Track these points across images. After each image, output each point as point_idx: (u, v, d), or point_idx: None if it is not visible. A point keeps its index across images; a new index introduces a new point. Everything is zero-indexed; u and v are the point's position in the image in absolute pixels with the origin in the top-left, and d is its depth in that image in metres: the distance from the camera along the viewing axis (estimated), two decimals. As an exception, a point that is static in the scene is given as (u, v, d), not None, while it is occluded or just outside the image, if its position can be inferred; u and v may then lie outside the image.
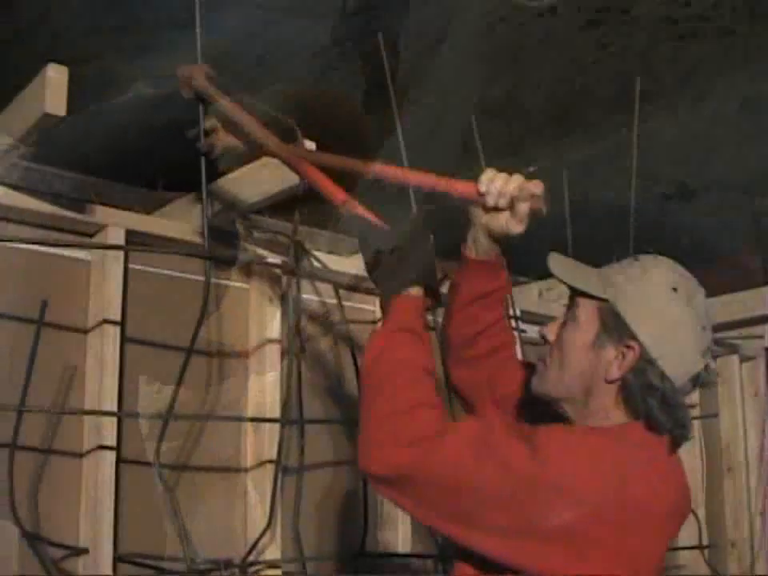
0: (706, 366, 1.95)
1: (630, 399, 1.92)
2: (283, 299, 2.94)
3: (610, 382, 1.92)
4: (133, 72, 6.01)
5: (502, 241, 2.10)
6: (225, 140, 2.33)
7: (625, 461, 1.83)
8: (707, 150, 5.88)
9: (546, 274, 3.94)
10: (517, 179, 1.99)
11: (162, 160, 6.24)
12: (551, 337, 2.03)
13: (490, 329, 2.23)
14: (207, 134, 2.34)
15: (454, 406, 2.28)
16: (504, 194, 1.98)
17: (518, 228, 2.03)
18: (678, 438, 1.94)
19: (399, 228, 2.00)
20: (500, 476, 1.75)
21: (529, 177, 2.00)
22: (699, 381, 1.95)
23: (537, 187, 1.99)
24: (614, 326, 1.92)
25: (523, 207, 1.99)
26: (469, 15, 4.82)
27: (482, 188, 2.00)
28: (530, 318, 3.73)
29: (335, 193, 2.08)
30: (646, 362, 1.88)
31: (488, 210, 2.03)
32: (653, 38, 5.41)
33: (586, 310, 1.97)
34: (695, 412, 4.07)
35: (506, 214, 2.02)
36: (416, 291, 1.97)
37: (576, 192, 4.02)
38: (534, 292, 4.03)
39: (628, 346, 1.89)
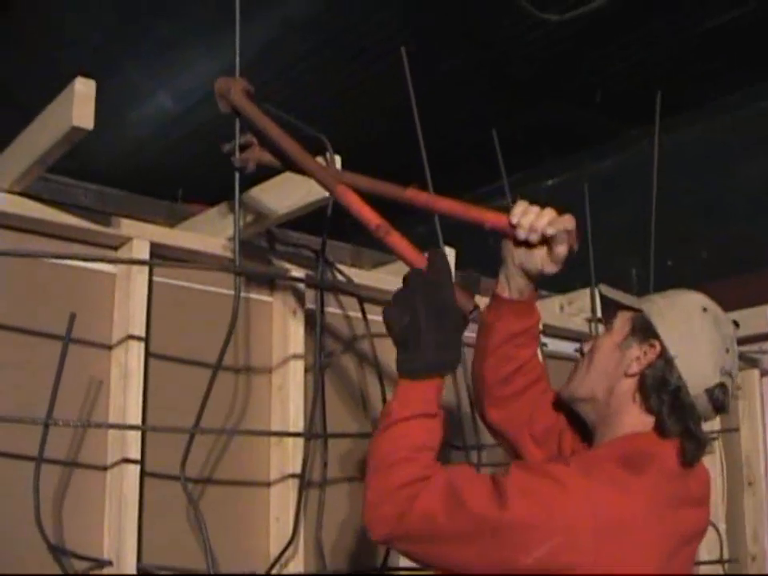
0: (724, 388, 2.02)
1: (645, 393, 2.01)
2: (307, 312, 2.94)
3: (630, 376, 2.03)
4: (152, 85, 6.06)
5: (537, 279, 2.12)
6: (260, 156, 2.32)
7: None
8: (729, 160, 5.90)
9: (567, 288, 3.97)
10: (549, 213, 2.00)
11: (179, 172, 6.27)
12: (587, 348, 2.14)
13: (526, 365, 2.26)
14: (242, 149, 2.33)
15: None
16: (535, 228, 1.99)
17: (553, 269, 2.05)
18: (692, 451, 1.98)
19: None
20: (465, 522, 1.80)
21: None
22: (717, 401, 2.01)
23: (569, 223, 2.00)
24: (641, 329, 2.05)
25: (561, 250, 2.00)
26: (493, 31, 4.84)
27: (514, 220, 2.01)
28: (551, 331, 3.73)
29: (370, 217, 2.06)
30: (665, 360, 2.00)
31: (519, 244, 2.04)
32: (674, 51, 5.43)
33: (621, 320, 2.10)
34: (716, 426, 4.05)
35: (541, 253, 2.03)
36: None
37: (596, 205, 4.01)
38: (555, 306, 4.02)
39: (651, 345, 2.02)
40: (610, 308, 2.16)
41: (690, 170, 5.95)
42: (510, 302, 2.16)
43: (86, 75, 2.18)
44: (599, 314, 3.85)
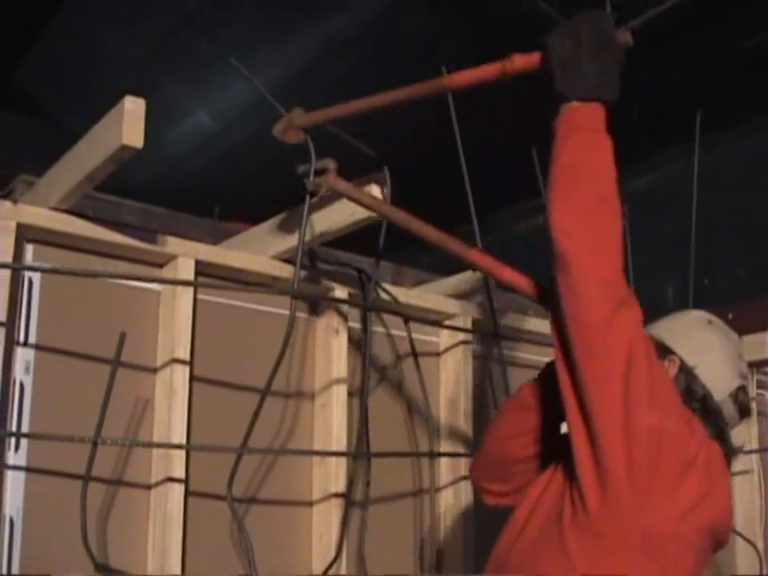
0: (746, 391, 2.11)
1: None
2: (349, 331, 2.94)
3: None
4: (190, 103, 6.09)
5: None
6: (334, 183, 2.33)
7: None
8: (767, 179, 5.87)
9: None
10: None
11: (216, 189, 6.30)
12: None
13: None
14: (318, 173, 2.34)
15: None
16: None
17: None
18: (727, 451, 2.05)
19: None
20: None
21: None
22: (741, 404, 2.10)
23: None
24: (657, 349, 2.03)
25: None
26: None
27: None
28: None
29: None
30: (686, 372, 2.07)
31: None
32: (711, 70, 5.41)
33: None
34: (753, 444, 4.03)
35: None
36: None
37: (633, 223, 4.00)
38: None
39: (670, 360, 2.09)
40: None
41: (728, 188, 5.92)
42: None
43: (126, 94, 2.18)
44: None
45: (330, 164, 2.32)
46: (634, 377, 1.79)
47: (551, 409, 2.12)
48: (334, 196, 2.48)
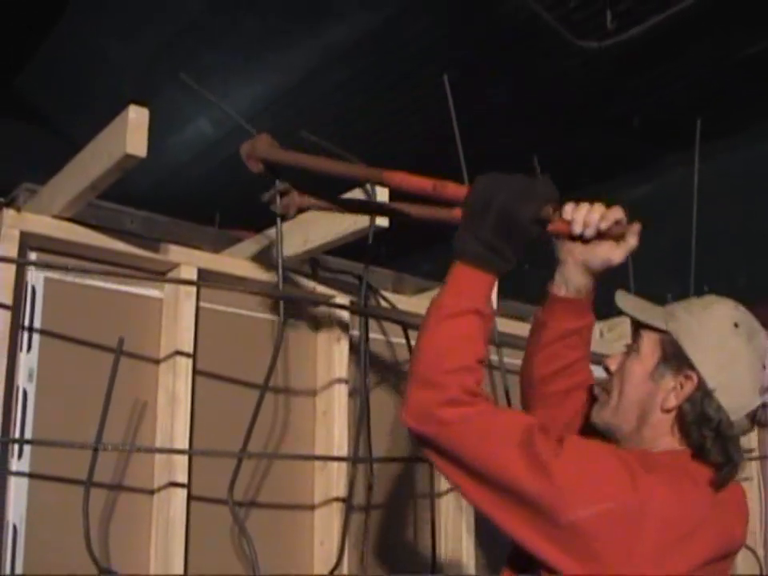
0: (764, 405, 1.97)
1: (685, 428, 1.94)
2: (351, 338, 2.95)
3: (667, 411, 1.96)
4: (192, 111, 6.10)
5: (600, 275, 2.10)
6: (300, 201, 2.34)
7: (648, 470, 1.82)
8: (767, 186, 5.89)
9: (607, 314, 3.96)
10: (599, 208, 2.01)
11: (217, 196, 6.31)
12: (614, 367, 2.07)
13: (572, 366, 2.23)
14: (283, 194, 2.36)
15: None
16: (589, 223, 2.00)
17: (620, 257, 2.04)
18: (726, 474, 1.93)
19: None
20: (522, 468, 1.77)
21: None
22: (759, 422, 1.98)
23: (618, 213, 2.01)
24: (673, 357, 1.96)
25: (633, 241, 2.03)
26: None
27: (567, 216, 2.01)
28: (591, 358, 3.71)
29: (424, 183, 2.07)
30: (703, 392, 1.91)
31: (574, 239, 2.03)
32: (711, 78, 5.43)
33: (649, 342, 2.01)
34: (754, 452, 4.03)
35: (604, 246, 2.03)
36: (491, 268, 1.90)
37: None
38: (595, 332, 4.00)
39: (686, 376, 1.93)
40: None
41: (728, 195, 5.94)
42: (565, 300, 2.14)
43: (130, 102, 2.19)
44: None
45: (290, 186, 2.34)
46: (532, 497, 1.77)
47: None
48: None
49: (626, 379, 2.02)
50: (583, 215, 2.00)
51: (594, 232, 2.00)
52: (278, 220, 2.40)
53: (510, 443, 1.79)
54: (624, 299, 2.09)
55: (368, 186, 2.50)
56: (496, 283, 1.93)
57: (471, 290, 1.89)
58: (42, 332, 2.48)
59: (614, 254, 2.04)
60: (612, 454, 1.86)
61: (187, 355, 2.61)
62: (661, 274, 5.63)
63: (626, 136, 6.07)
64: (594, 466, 1.81)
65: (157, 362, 2.65)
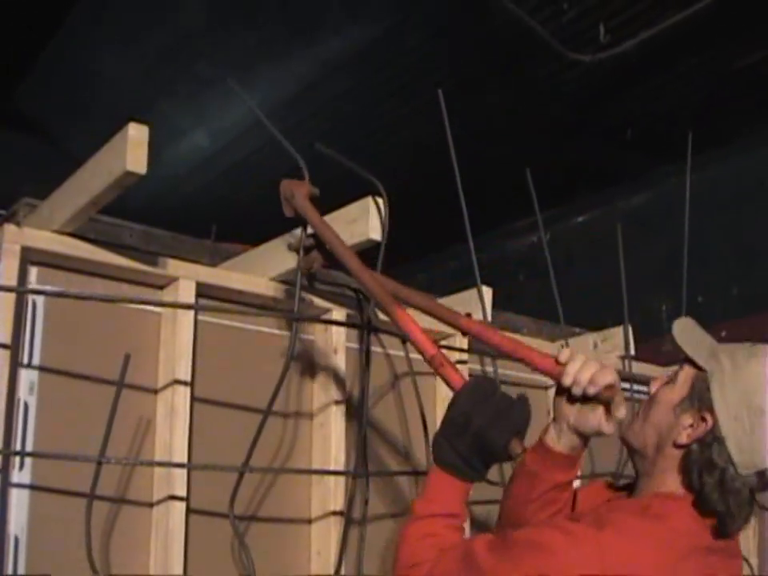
0: None
1: (687, 469, 1.96)
2: (348, 351, 2.97)
3: (678, 447, 1.98)
4: (188, 124, 6.12)
5: (589, 438, 2.08)
6: (323, 260, 2.38)
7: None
8: (759, 197, 5.92)
9: (600, 325, 3.99)
10: (593, 365, 1.97)
11: (214, 209, 6.33)
12: (652, 390, 2.09)
13: (566, 505, 2.20)
14: (307, 250, 2.38)
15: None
16: (579, 381, 1.97)
17: (611, 430, 2.02)
18: (726, 524, 1.93)
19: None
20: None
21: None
22: (765, 483, 1.96)
23: (610, 376, 1.96)
24: (698, 396, 1.97)
25: (620, 413, 1.97)
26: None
27: (562, 359, 2.00)
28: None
29: (427, 347, 2.06)
30: (714, 437, 1.93)
31: (571, 401, 2.03)
32: (704, 90, 5.47)
33: (686, 375, 2.03)
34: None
35: (597, 415, 2.00)
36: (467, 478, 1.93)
37: (627, 241, 4.04)
38: (589, 343, 4.02)
39: (703, 418, 1.95)
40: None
41: (721, 206, 5.97)
42: (559, 455, 2.09)
43: (127, 116, 2.21)
44: (632, 351, 3.86)
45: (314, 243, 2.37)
46: None
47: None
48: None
49: (655, 405, 2.05)
50: (576, 369, 1.98)
51: (580, 392, 1.97)
52: (298, 273, 2.42)
53: None
54: (680, 328, 2.09)
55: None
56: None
57: (444, 495, 1.93)
58: (42, 345, 2.49)
59: (604, 426, 2.00)
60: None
61: (186, 369, 2.63)
62: (654, 283, 5.66)
63: (619, 147, 6.10)
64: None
65: (155, 375, 2.67)
